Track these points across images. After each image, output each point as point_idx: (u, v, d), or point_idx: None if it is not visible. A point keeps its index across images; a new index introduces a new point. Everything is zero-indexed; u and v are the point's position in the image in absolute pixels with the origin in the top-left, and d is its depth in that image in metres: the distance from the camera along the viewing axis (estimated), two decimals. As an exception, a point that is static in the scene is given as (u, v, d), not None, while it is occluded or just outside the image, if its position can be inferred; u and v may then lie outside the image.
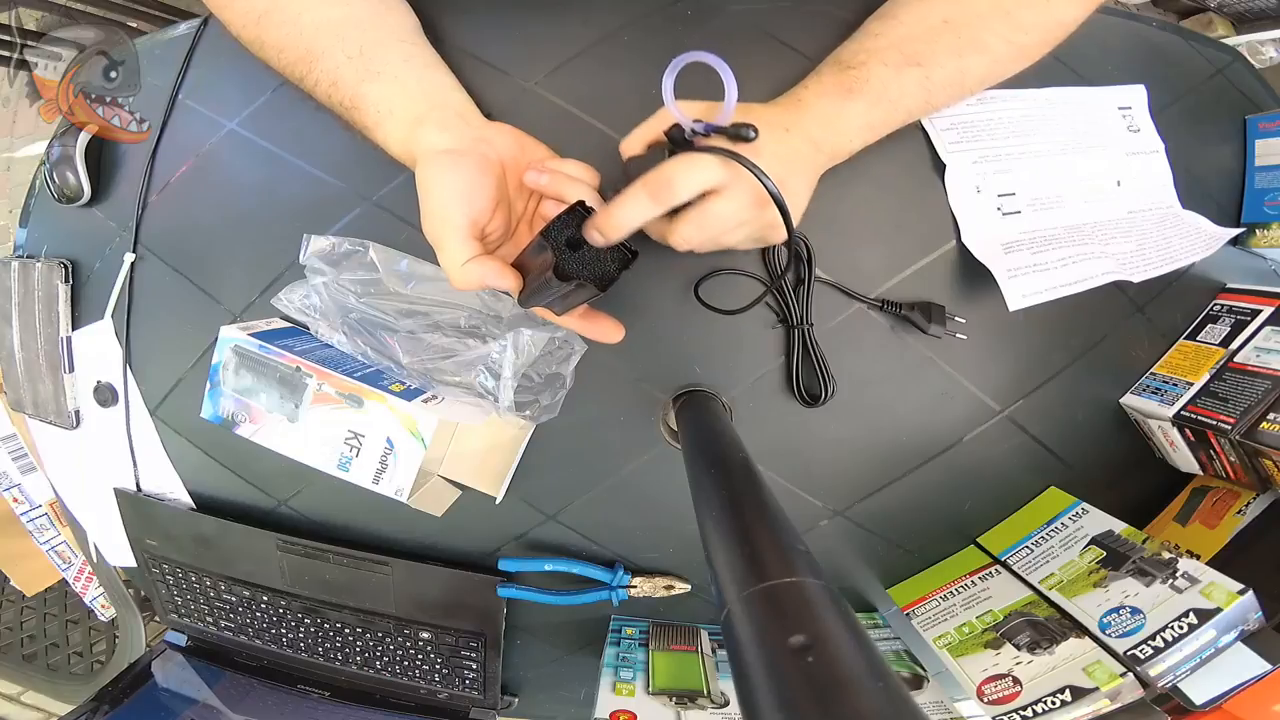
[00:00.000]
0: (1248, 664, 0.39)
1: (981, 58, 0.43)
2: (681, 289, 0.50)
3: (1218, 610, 0.39)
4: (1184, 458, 0.51)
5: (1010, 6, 0.42)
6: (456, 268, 0.39)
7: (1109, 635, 0.42)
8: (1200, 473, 0.51)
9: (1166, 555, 0.44)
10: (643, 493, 0.54)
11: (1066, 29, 0.43)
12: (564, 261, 0.37)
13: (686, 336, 0.51)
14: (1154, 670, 0.39)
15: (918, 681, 0.50)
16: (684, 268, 0.50)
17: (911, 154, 0.49)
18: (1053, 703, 0.40)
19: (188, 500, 0.61)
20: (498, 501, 0.54)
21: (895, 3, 0.45)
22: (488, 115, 0.45)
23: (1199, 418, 0.47)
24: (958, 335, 0.50)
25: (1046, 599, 0.47)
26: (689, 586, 0.56)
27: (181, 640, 0.64)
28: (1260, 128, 0.52)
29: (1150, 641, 0.40)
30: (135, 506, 0.61)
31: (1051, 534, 0.51)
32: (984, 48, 0.43)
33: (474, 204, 0.40)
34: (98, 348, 0.58)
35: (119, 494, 0.61)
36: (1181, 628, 0.39)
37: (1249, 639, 0.39)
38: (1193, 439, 0.49)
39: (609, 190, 0.39)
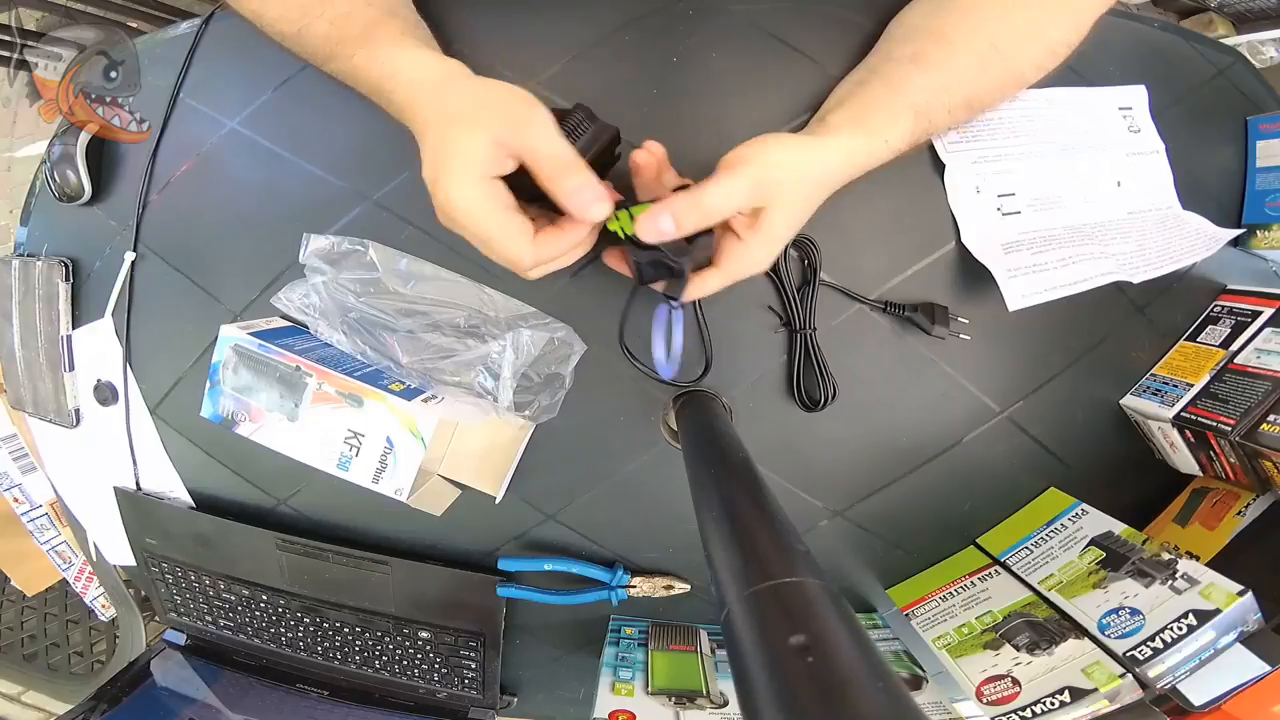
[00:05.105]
0: (1247, 665, 0.39)
1: (1015, 89, 0.45)
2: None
3: (1217, 611, 0.39)
4: (1184, 459, 0.50)
5: (1045, 23, 0.42)
6: (571, 169, 0.37)
7: (1108, 636, 0.42)
8: (1200, 474, 0.51)
9: (1166, 556, 0.44)
10: (643, 493, 0.54)
11: (1081, 39, 0.43)
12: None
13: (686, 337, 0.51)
14: (1153, 671, 0.39)
15: (917, 682, 0.50)
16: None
17: (911, 154, 0.49)
18: (1052, 703, 0.40)
19: (187, 499, 0.61)
20: (497, 501, 0.54)
21: (942, 16, 0.43)
22: None
23: (1199, 419, 0.47)
24: (961, 336, 0.50)
25: (1046, 600, 0.47)
26: (689, 586, 0.56)
27: (181, 639, 0.64)
28: (1261, 129, 0.52)
29: (1149, 642, 0.40)
30: (135, 505, 0.61)
31: (1051, 535, 0.51)
32: (1020, 78, 0.44)
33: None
34: (98, 346, 0.58)
35: (119, 493, 0.61)
36: (1181, 629, 0.39)
37: (1248, 640, 0.39)
38: (1193, 440, 0.49)
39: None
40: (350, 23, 0.41)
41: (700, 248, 0.38)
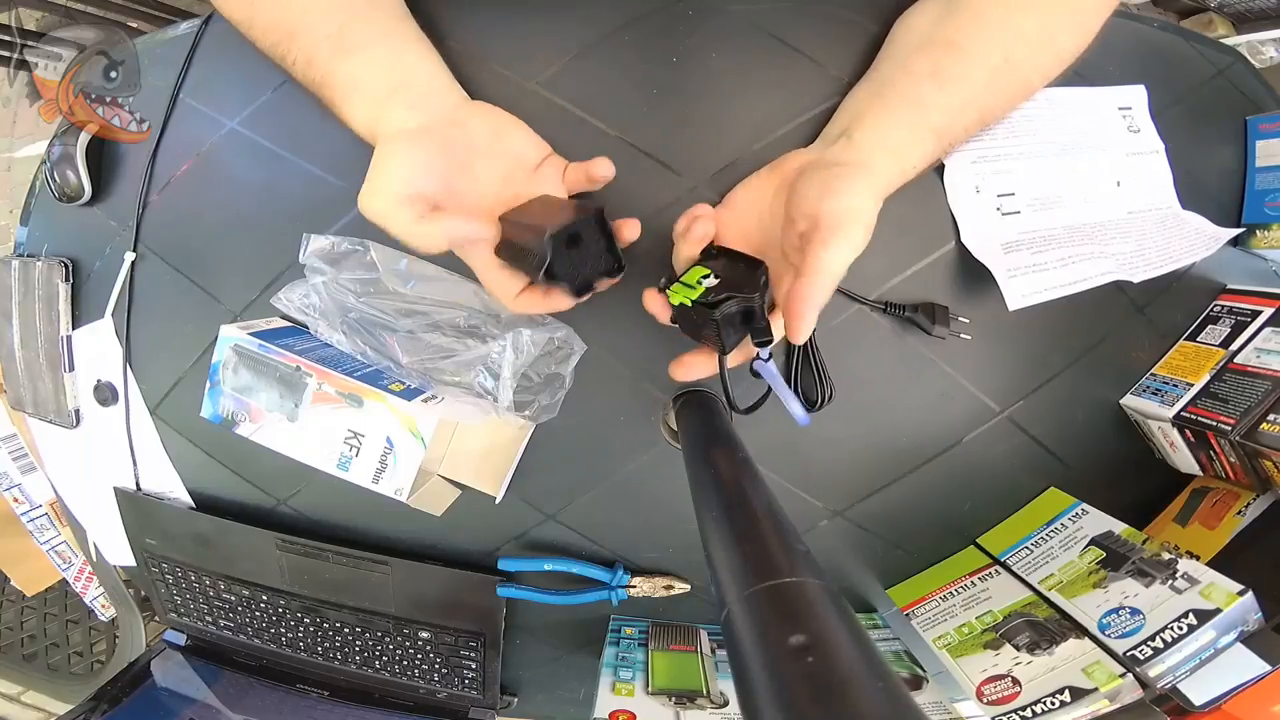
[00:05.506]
0: (1247, 665, 0.39)
1: (1022, 99, 0.45)
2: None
3: (1217, 611, 0.39)
4: (1184, 458, 0.50)
5: (1055, 29, 0.42)
6: (415, 230, 0.38)
7: (1108, 636, 0.42)
8: (1200, 473, 0.51)
9: (1166, 556, 0.44)
10: (643, 493, 0.54)
11: (1087, 45, 0.43)
12: (556, 260, 0.38)
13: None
14: (1153, 671, 0.39)
15: (917, 682, 0.50)
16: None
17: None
18: (1052, 703, 0.40)
19: (187, 499, 0.61)
20: (497, 501, 0.54)
21: (959, 27, 0.42)
22: None
23: (1199, 419, 0.47)
24: (961, 335, 0.50)
25: (1046, 600, 0.47)
26: (689, 586, 0.56)
27: (181, 639, 0.64)
28: (1261, 129, 0.52)
29: (1150, 642, 0.40)
30: (135, 505, 0.61)
31: (1051, 535, 0.51)
32: (1028, 88, 0.44)
33: (422, 184, 0.39)
34: (98, 346, 0.58)
35: (119, 493, 0.61)
36: (1181, 628, 0.39)
37: (1248, 640, 0.39)
38: (1193, 440, 0.49)
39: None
40: (312, 72, 0.42)
41: (766, 287, 0.38)
